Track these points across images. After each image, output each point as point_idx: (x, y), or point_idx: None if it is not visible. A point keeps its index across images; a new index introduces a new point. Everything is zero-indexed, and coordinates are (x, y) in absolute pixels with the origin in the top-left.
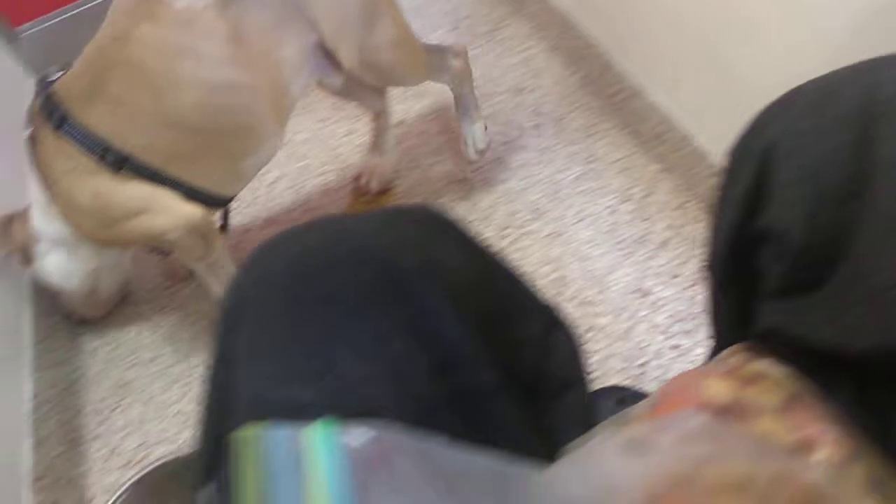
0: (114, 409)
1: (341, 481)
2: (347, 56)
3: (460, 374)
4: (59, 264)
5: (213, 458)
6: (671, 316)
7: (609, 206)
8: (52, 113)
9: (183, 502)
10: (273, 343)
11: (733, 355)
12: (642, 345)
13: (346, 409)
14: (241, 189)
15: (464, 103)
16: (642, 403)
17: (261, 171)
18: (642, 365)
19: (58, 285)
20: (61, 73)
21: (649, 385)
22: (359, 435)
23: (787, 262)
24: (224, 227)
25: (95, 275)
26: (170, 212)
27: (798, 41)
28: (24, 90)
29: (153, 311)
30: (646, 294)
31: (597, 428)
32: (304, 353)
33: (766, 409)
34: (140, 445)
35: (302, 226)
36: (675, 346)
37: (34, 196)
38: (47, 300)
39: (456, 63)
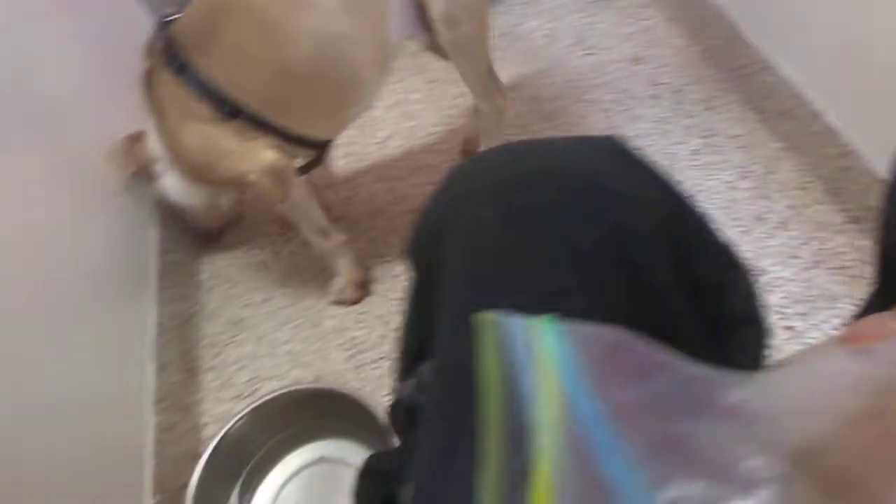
0: (228, 344)
1: (573, 369)
2: (436, 7)
3: (655, 297)
4: (176, 184)
5: (414, 357)
6: (786, 297)
7: (727, 182)
8: (172, 58)
9: (293, 433)
10: (482, 251)
11: None
12: None
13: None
14: (339, 133)
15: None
16: (827, 342)
17: (373, 129)
18: None
19: (177, 202)
20: (178, 14)
21: None
22: (586, 329)
23: None
24: (313, 166)
25: (211, 194)
26: (251, 157)
27: None
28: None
29: (268, 256)
30: (762, 273)
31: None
32: (519, 256)
33: None
34: (251, 379)
35: (509, 145)
36: (790, 328)
37: (148, 123)
38: (169, 238)
39: (498, 100)
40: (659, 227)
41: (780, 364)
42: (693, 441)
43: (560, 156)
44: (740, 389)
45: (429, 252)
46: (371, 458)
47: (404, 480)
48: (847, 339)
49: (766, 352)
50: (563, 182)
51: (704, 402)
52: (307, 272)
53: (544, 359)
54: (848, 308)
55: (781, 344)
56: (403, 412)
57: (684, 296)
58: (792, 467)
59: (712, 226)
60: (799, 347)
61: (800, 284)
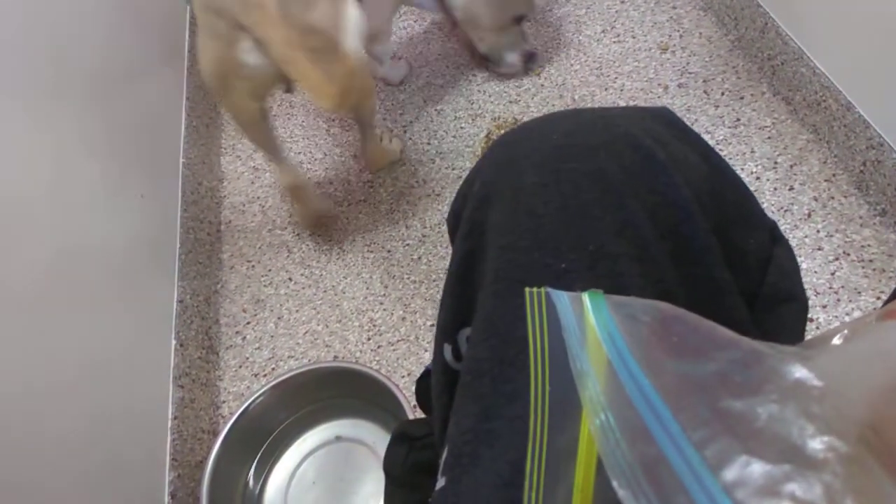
0: (248, 323)
1: (623, 345)
2: None
3: (700, 267)
4: None
5: (454, 325)
6: (810, 288)
7: (754, 172)
8: None
9: (312, 411)
10: (527, 216)
11: None
12: None
13: (600, 281)
14: None
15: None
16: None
17: (398, 112)
18: None
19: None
20: None
21: None
22: (636, 303)
23: None
24: None
25: None
26: None
27: None
28: (184, 14)
29: (289, 236)
30: None
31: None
32: (567, 221)
33: None
34: (270, 358)
35: (558, 113)
36: (812, 320)
37: None
38: (192, 216)
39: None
40: (705, 198)
41: (823, 339)
42: (755, 420)
43: (610, 124)
44: (804, 365)
45: (472, 218)
46: (402, 423)
47: (438, 446)
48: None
49: (806, 328)
50: (611, 149)
51: (766, 380)
52: (327, 254)
53: (594, 333)
54: (871, 301)
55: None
56: (439, 378)
57: (727, 267)
58: (859, 446)
59: (756, 201)
60: None
61: (824, 276)
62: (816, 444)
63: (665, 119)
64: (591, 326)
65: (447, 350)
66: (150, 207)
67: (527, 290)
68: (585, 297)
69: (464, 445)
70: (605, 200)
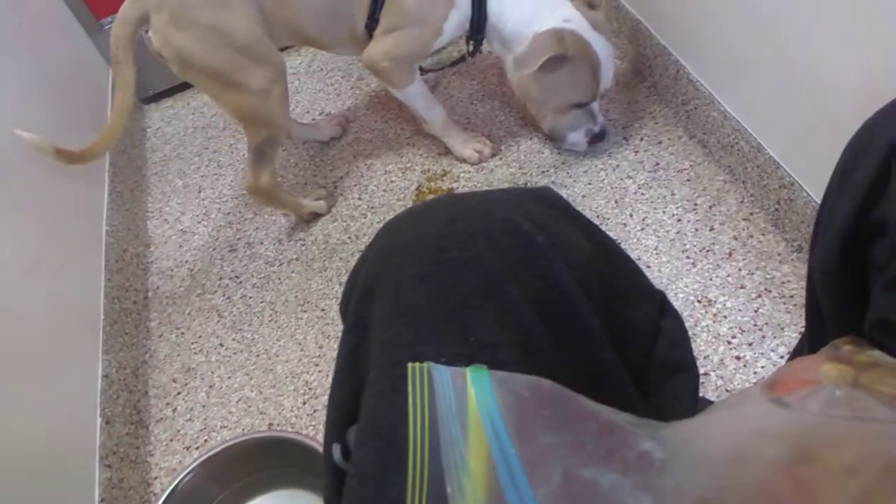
0: (178, 393)
1: (497, 416)
2: None
3: (583, 349)
4: None
5: (344, 420)
6: (735, 327)
7: (675, 215)
8: None
9: (245, 484)
10: (407, 309)
11: (842, 346)
12: (704, 354)
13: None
14: None
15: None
16: (753, 388)
17: (329, 168)
18: (704, 375)
19: None
20: None
21: (710, 395)
22: (511, 378)
23: None
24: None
25: None
26: None
27: (880, 52)
28: (106, 80)
29: (219, 300)
30: (710, 304)
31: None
32: (447, 313)
33: (884, 395)
34: (203, 430)
35: (441, 199)
36: (738, 357)
37: None
38: (117, 285)
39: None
40: (589, 276)
41: (702, 412)
42: (598, 488)
43: (489, 210)
44: (650, 439)
45: (357, 310)
46: None
47: None
48: (771, 386)
49: (695, 398)
50: (490, 236)
51: (614, 451)
52: (259, 316)
53: (473, 405)
54: (794, 337)
55: (731, 374)
56: (329, 481)
57: (614, 344)
58: None
59: (642, 273)
60: (750, 378)
61: (748, 314)
62: None
63: (547, 199)
64: (471, 398)
65: (336, 450)
66: (71, 278)
67: (409, 365)
68: (468, 371)
69: None
70: (484, 289)
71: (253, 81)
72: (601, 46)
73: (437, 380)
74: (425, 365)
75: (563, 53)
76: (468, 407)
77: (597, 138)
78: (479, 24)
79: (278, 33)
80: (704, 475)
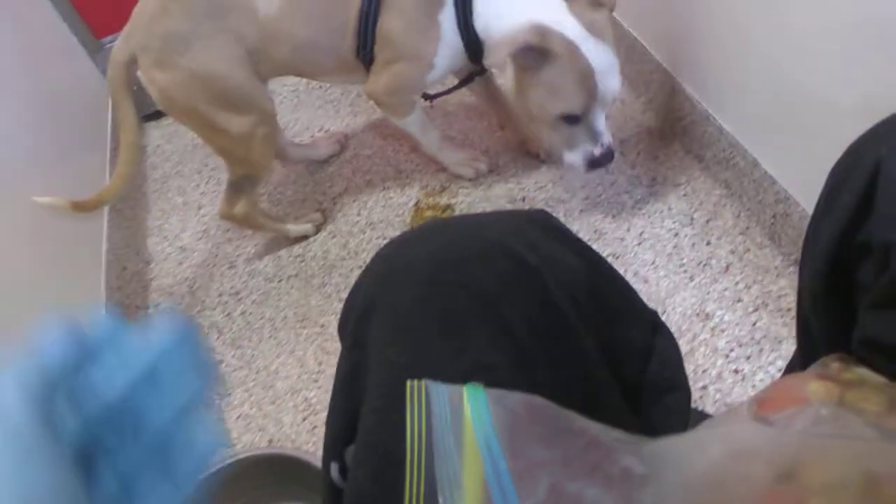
0: None
1: (491, 431)
2: None
3: (576, 368)
4: None
5: (342, 441)
6: (732, 340)
7: (671, 230)
8: None
9: (245, 502)
10: (402, 333)
11: (830, 363)
12: (703, 368)
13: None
14: None
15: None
16: (741, 405)
17: (328, 184)
18: (702, 388)
19: None
20: None
21: (709, 409)
22: (506, 395)
23: (890, 275)
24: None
25: None
26: None
27: (872, 71)
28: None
29: (219, 317)
30: (707, 318)
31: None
32: (443, 334)
33: (869, 413)
34: None
35: (434, 223)
36: (736, 371)
37: None
38: (118, 303)
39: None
40: (582, 296)
41: (688, 431)
42: (582, 501)
43: (483, 233)
44: (632, 455)
45: (355, 332)
46: None
47: None
48: (760, 403)
49: (688, 416)
50: (485, 259)
51: (599, 465)
52: (259, 333)
53: (468, 421)
54: (791, 350)
55: (729, 388)
56: (327, 500)
57: (607, 363)
58: None
59: (635, 293)
60: (747, 391)
61: (745, 328)
62: None
63: (540, 222)
64: (466, 415)
65: (334, 469)
66: (71, 296)
67: (408, 382)
68: (465, 389)
69: None
70: (480, 310)
71: (233, 126)
72: (597, 53)
73: (434, 397)
74: (423, 383)
75: (541, 46)
76: (464, 422)
77: (595, 163)
78: (474, 51)
79: (265, 70)
80: (685, 492)
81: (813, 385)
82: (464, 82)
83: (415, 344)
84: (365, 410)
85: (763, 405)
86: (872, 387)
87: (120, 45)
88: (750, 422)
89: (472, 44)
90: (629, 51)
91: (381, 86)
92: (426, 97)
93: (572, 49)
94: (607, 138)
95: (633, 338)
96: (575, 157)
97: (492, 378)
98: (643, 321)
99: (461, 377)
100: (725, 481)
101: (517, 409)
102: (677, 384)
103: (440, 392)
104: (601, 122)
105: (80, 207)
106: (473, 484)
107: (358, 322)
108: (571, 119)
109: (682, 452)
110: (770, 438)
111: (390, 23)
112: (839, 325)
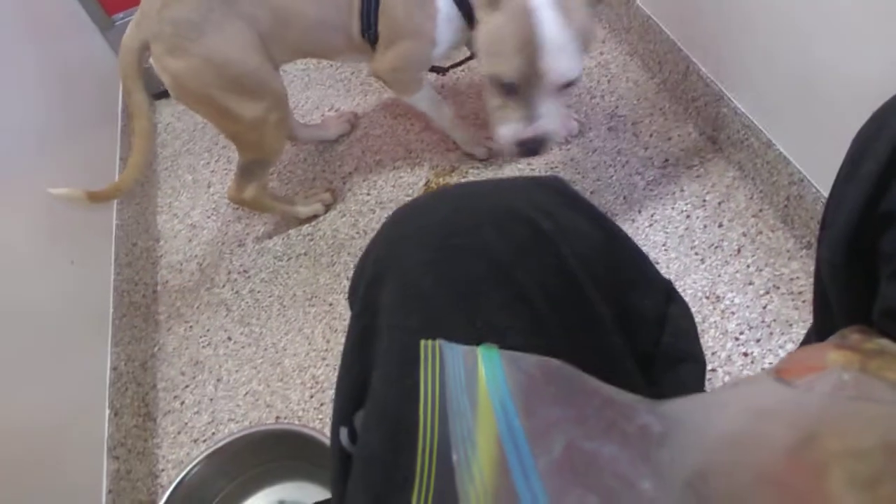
0: (186, 386)
1: (505, 391)
2: None
3: (591, 335)
4: None
5: (351, 405)
6: (742, 323)
7: (683, 211)
8: None
9: (252, 477)
10: (414, 296)
11: (850, 335)
12: (712, 350)
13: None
14: None
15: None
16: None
17: (338, 164)
18: (712, 371)
19: None
20: None
21: None
22: (520, 357)
23: None
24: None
25: None
26: None
27: (892, 48)
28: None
29: (228, 294)
30: (718, 300)
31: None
32: (455, 298)
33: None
34: (210, 423)
35: (446, 189)
36: (746, 354)
37: None
38: (126, 278)
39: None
40: (596, 264)
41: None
42: (597, 460)
43: (495, 198)
44: (650, 413)
45: (365, 297)
46: None
47: None
48: (778, 371)
49: (702, 387)
50: (496, 224)
51: (615, 423)
52: (267, 311)
53: (482, 381)
54: (802, 333)
55: (739, 370)
56: (336, 464)
57: (621, 331)
58: (685, 492)
59: (650, 262)
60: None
61: (756, 311)
62: (645, 485)
63: (554, 188)
64: (481, 374)
65: (343, 433)
66: (81, 272)
67: (422, 342)
68: (479, 349)
69: None
70: (492, 275)
71: (246, 112)
72: (551, 26)
73: (448, 357)
74: (437, 343)
75: None
76: (478, 382)
77: (522, 145)
78: (473, 21)
79: (278, 54)
80: (702, 451)
81: (833, 354)
82: (475, 54)
83: (426, 308)
84: (375, 375)
85: (781, 373)
86: (894, 356)
87: (131, 32)
88: (772, 382)
89: (470, 14)
90: (643, 29)
91: (387, 64)
92: (438, 70)
93: (524, 9)
94: (546, 126)
95: (646, 307)
96: (504, 131)
97: (504, 342)
98: (657, 290)
99: (475, 341)
100: (744, 441)
101: (531, 370)
102: (691, 354)
103: (454, 352)
104: (544, 104)
105: (97, 198)
106: (488, 442)
107: (368, 287)
108: (508, 88)
109: (700, 411)
110: (791, 399)
111: (391, 1)
112: (859, 297)
